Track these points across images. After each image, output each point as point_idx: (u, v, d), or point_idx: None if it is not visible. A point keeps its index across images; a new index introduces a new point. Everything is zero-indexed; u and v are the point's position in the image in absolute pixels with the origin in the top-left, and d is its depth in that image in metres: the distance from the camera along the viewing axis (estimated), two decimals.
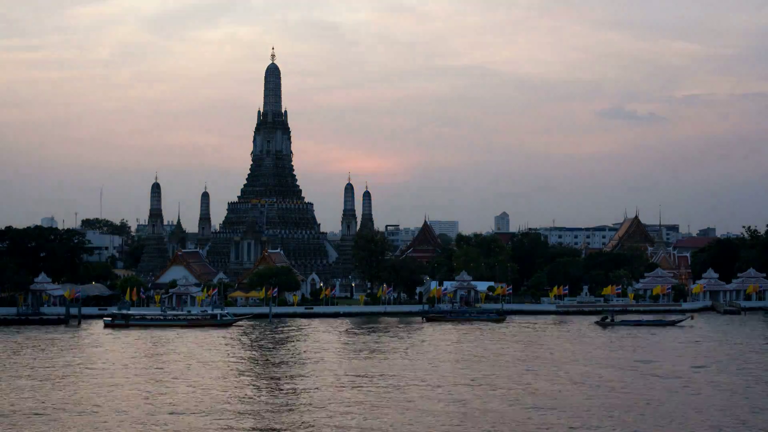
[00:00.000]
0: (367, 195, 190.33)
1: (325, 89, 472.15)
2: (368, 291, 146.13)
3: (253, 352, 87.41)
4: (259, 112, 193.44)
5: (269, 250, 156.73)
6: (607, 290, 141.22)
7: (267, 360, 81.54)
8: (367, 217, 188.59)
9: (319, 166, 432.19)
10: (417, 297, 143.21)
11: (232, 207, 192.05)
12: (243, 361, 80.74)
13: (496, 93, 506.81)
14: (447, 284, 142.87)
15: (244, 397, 61.21)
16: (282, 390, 64.40)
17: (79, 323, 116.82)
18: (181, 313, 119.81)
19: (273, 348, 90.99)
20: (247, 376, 71.93)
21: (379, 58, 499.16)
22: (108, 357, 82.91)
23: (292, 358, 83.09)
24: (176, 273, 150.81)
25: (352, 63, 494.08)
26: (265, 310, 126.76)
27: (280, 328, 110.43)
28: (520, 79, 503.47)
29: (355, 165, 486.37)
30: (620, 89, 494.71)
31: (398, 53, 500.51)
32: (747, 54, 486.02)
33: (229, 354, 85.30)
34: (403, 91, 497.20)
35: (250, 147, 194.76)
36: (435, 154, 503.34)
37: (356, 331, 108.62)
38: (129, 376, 70.57)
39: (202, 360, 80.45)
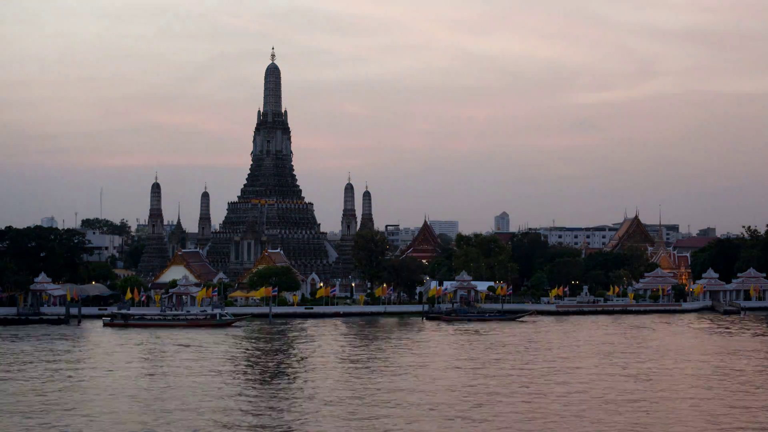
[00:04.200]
0: (367, 195, 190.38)
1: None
2: (368, 291, 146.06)
3: (252, 352, 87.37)
4: (259, 112, 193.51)
5: (269, 250, 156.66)
6: (608, 290, 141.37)
7: (266, 360, 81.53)
8: (367, 217, 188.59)
9: (319, 166, 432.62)
10: (417, 297, 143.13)
11: (232, 207, 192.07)
12: (241, 361, 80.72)
13: (496, 89, 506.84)
14: (447, 284, 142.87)
15: (242, 398, 61.18)
16: (281, 390, 64.40)
17: (79, 323, 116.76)
18: (181, 313, 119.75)
19: (271, 348, 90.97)
20: (246, 375, 71.92)
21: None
22: (106, 356, 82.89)
23: (291, 357, 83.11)
24: (176, 273, 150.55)
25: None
26: (264, 309, 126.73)
27: (280, 328, 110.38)
28: (518, 74, 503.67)
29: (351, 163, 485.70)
30: (618, 84, 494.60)
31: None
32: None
33: (227, 354, 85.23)
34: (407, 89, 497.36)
35: (250, 147, 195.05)
36: (435, 154, 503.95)
37: (356, 331, 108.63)
38: (127, 375, 70.56)
39: (203, 360, 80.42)
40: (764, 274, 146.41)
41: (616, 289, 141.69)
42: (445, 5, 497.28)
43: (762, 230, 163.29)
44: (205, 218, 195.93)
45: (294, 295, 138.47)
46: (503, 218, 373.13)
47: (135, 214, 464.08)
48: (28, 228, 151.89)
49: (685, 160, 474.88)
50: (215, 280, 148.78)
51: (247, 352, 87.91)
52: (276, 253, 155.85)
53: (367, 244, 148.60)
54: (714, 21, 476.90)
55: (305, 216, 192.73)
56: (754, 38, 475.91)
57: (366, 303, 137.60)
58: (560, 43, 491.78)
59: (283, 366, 77.67)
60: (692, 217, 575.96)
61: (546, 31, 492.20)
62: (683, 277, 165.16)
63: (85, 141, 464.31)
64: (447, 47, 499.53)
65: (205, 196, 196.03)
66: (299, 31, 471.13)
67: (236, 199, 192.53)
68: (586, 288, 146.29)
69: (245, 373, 73.52)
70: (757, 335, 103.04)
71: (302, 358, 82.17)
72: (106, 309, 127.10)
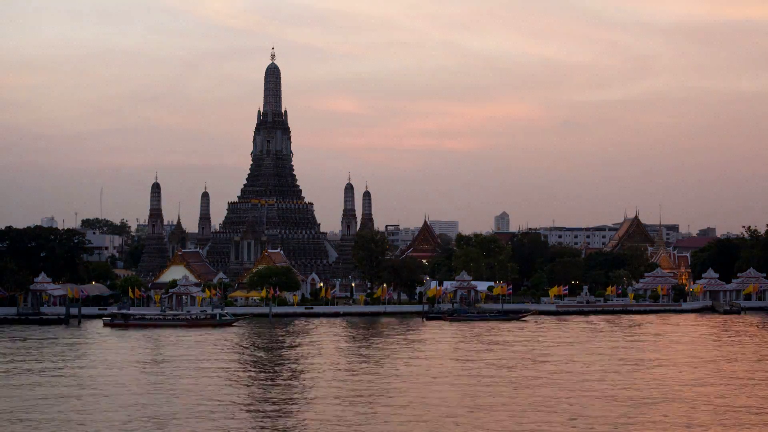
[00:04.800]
0: (367, 195, 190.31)
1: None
2: (368, 291, 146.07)
3: (251, 352, 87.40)
4: (259, 112, 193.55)
5: (269, 250, 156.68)
6: (607, 290, 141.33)
7: (264, 360, 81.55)
8: (367, 217, 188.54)
9: (319, 166, 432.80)
10: (417, 297, 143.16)
11: (232, 207, 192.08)
12: (240, 361, 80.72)
13: (495, 88, 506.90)
14: (447, 284, 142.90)
15: (240, 399, 61.17)
16: (279, 391, 64.39)
17: (79, 323, 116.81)
18: (181, 312, 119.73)
19: (271, 348, 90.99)
20: (244, 376, 71.91)
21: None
22: (106, 357, 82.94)
23: (290, 358, 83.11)
24: (176, 273, 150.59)
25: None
26: (265, 310, 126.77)
27: (280, 328, 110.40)
28: (516, 73, 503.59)
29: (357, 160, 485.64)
30: (617, 82, 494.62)
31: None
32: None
33: (226, 354, 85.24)
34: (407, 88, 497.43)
35: (250, 147, 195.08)
36: (435, 154, 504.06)
37: (356, 332, 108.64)
38: (127, 377, 70.60)
39: (200, 360, 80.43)
40: (764, 274, 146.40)
41: (612, 288, 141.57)
42: (445, 4, 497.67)
43: (762, 230, 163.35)
44: (205, 218, 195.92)
45: (294, 295, 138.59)
46: (503, 218, 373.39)
47: (135, 214, 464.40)
48: (28, 228, 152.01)
49: (685, 160, 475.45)
50: (215, 280, 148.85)
51: (247, 352, 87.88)
52: (276, 253, 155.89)
53: (367, 244, 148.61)
54: (713, 18, 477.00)
55: (305, 216, 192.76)
56: (754, 36, 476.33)
57: (366, 303, 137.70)
58: (559, 41, 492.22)
59: (282, 366, 77.64)
60: (692, 217, 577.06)
61: (545, 29, 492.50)
62: (683, 277, 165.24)
63: (85, 141, 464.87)
64: (446, 46, 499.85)
65: (205, 196, 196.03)
66: (298, 29, 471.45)
67: (236, 199, 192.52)
68: (586, 288, 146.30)
69: (245, 373, 73.48)
70: (757, 335, 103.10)
71: (302, 359, 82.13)
72: (106, 309, 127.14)
